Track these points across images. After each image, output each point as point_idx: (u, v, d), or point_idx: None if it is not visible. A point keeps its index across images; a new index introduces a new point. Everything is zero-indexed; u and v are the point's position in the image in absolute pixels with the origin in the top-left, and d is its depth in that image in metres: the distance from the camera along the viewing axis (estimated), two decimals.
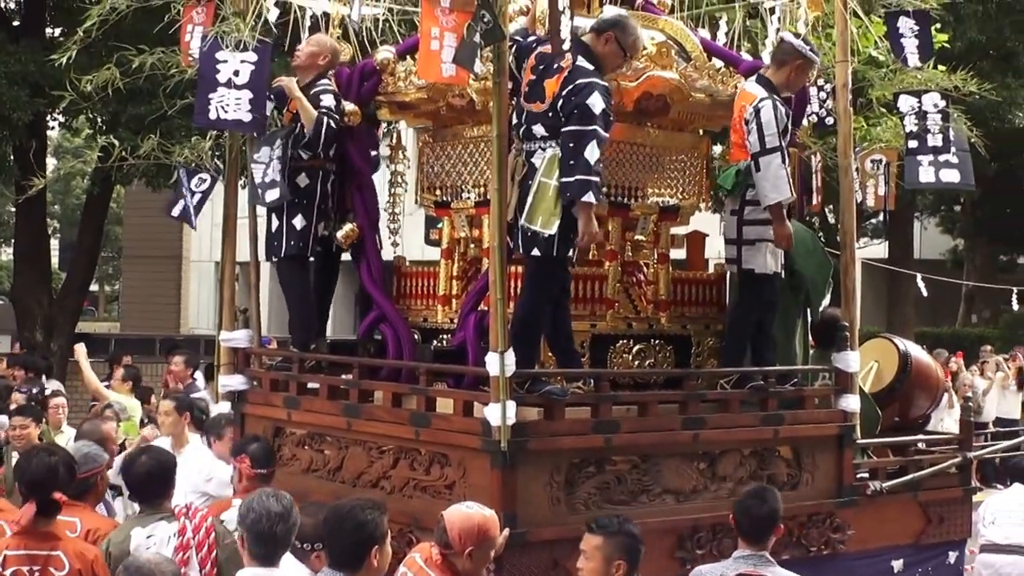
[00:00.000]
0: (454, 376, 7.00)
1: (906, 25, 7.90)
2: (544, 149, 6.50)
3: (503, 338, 6.18)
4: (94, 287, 46.27)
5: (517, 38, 6.85)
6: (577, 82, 6.44)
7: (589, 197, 6.32)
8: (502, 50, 6.30)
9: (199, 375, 12.20)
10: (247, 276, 8.02)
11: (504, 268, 6.27)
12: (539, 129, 6.56)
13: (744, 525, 6.05)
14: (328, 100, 7.42)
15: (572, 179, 6.31)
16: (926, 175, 8.10)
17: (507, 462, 6.20)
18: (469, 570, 5.52)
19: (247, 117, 7.19)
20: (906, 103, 8.01)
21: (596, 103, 6.37)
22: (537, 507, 6.35)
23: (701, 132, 7.89)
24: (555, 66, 6.60)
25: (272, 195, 7.34)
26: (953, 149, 8.00)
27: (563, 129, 6.40)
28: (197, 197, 7.84)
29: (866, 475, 7.85)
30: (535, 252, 6.50)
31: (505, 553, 5.97)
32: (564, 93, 6.46)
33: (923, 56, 7.96)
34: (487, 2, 6.09)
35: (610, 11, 6.99)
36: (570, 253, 6.59)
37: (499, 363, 6.16)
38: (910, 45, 7.91)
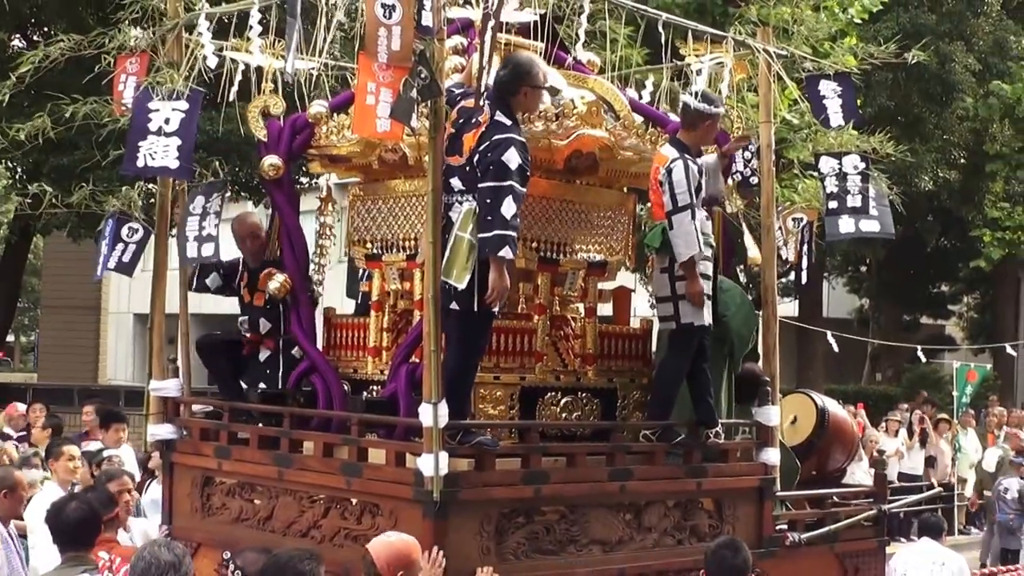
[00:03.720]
0: (384, 427, 7.02)
1: (828, 87, 8.12)
2: (461, 203, 6.52)
3: (436, 389, 6.23)
4: (9, 338, 45.52)
5: (452, 89, 6.93)
6: (494, 138, 6.47)
7: (506, 252, 6.36)
8: (438, 106, 6.37)
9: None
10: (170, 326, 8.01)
11: (439, 320, 6.32)
12: (456, 182, 6.59)
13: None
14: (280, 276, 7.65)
15: (490, 234, 6.35)
16: (846, 226, 8.24)
17: (439, 512, 6.24)
18: None
19: (174, 164, 7.15)
20: (827, 164, 8.21)
21: (512, 159, 6.40)
22: (467, 557, 6.39)
23: (626, 189, 8.02)
24: (473, 120, 6.64)
25: (207, 250, 7.36)
26: (873, 204, 8.18)
27: (480, 185, 6.43)
28: (132, 248, 7.85)
29: (785, 526, 8.01)
30: (453, 306, 6.50)
31: None
32: (481, 148, 6.49)
33: (847, 116, 8.17)
34: (424, 58, 6.16)
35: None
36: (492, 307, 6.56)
37: (432, 414, 6.20)
38: (833, 106, 8.12)
